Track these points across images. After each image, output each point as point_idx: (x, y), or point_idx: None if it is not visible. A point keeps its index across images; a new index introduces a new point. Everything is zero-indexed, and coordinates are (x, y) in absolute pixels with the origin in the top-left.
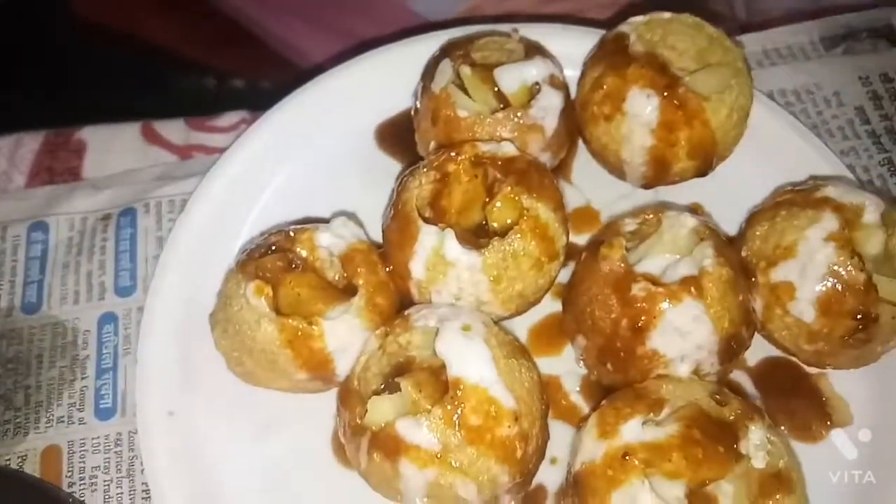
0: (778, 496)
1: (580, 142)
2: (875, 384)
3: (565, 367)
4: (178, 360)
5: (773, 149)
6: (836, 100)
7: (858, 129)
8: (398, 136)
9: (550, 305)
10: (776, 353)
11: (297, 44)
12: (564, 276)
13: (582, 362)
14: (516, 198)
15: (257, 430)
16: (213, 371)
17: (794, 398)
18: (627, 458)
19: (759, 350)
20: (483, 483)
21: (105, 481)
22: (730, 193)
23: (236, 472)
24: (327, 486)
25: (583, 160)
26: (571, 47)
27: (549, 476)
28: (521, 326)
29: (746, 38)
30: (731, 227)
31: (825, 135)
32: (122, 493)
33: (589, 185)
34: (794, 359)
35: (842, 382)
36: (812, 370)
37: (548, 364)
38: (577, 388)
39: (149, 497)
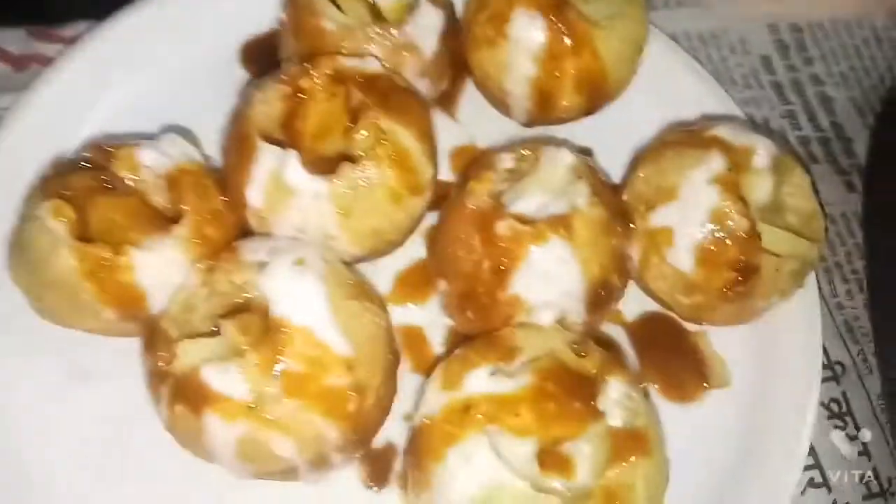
0: (633, 458)
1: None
2: (755, 344)
3: (431, 317)
4: None
5: (669, 92)
6: (742, 47)
7: (762, 78)
8: (267, 55)
9: (421, 250)
10: (656, 307)
11: None
12: (433, 219)
13: (444, 310)
14: (374, 120)
15: (67, 377)
16: (21, 307)
17: (672, 357)
18: (469, 410)
19: (637, 304)
20: (305, 440)
21: None
22: (621, 137)
23: (43, 428)
24: (147, 442)
25: (470, 95)
26: None
27: (401, 433)
28: (388, 271)
29: None
30: (619, 174)
31: (727, 82)
32: None
33: (475, 123)
34: (674, 315)
35: (722, 343)
36: (692, 328)
37: (412, 314)
38: (441, 342)
39: None
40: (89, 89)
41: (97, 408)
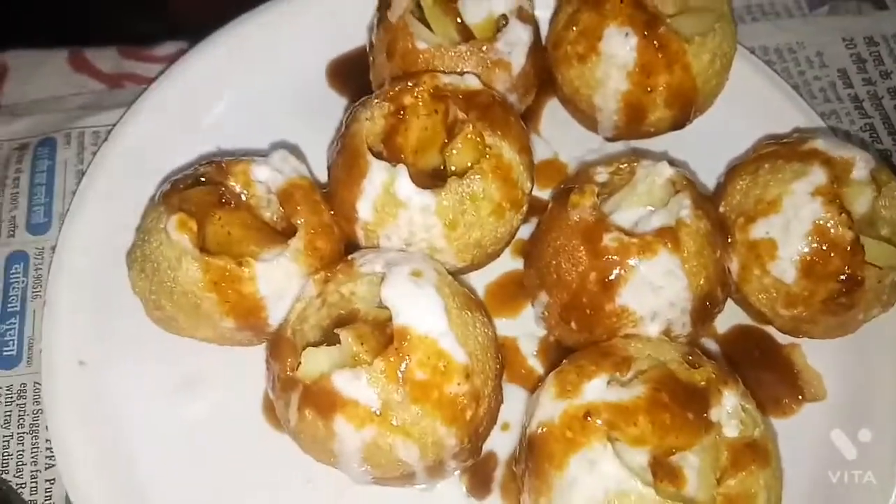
0: (753, 467)
1: (549, 92)
2: (850, 358)
3: (523, 329)
4: (93, 304)
5: (754, 105)
6: (819, 60)
7: (841, 92)
8: (351, 73)
9: (510, 263)
10: (747, 321)
11: None
12: (526, 232)
13: (542, 321)
14: (478, 135)
15: (178, 385)
16: (131, 318)
17: (765, 370)
18: (589, 418)
19: (729, 317)
20: (427, 445)
21: (4, 437)
22: (707, 150)
23: (152, 432)
24: (255, 450)
25: (552, 110)
26: None
27: (501, 443)
28: (478, 284)
29: None
30: (707, 185)
31: (807, 95)
32: (23, 450)
33: (558, 137)
34: (766, 328)
35: (816, 356)
36: (784, 341)
37: (504, 325)
38: (535, 352)
39: (53, 456)
40: (188, 107)
41: (206, 414)
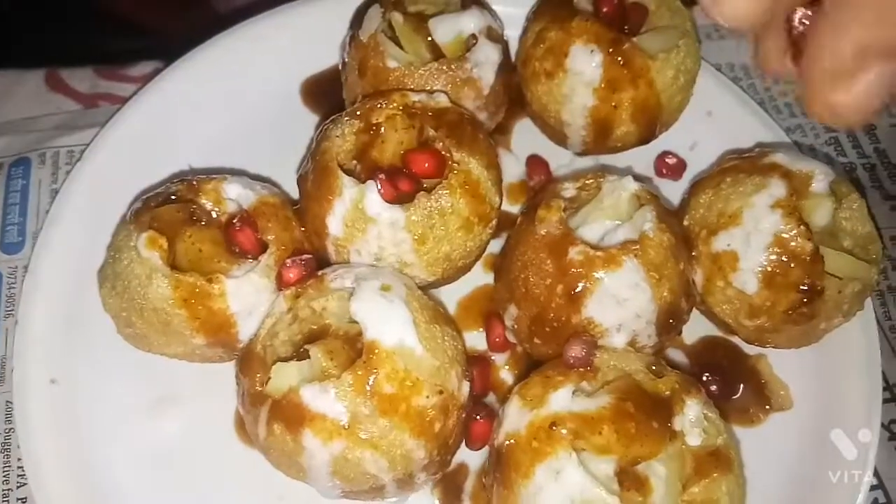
0: (715, 474)
1: (519, 110)
2: (815, 366)
3: None
4: (65, 322)
5: (719, 120)
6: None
7: None
8: (326, 92)
9: (482, 277)
10: (715, 332)
11: None
12: (497, 246)
13: (512, 334)
14: (446, 151)
15: (151, 403)
16: (103, 336)
17: (732, 380)
18: (555, 427)
19: (697, 328)
20: (396, 458)
21: None
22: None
23: (125, 450)
24: (227, 467)
25: (523, 128)
26: (513, 6)
27: (472, 455)
28: (449, 298)
29: (696, 9)
30: (673, 200)
31: (772, 111)
32: None
33: (528, 154)
34: (733, 339)
35: (782, 365)
36: (752, 351)
37: (476, 339)
38: (506, 364)
39: (25, 475)
40: (162, 126)
41: (179, 431)
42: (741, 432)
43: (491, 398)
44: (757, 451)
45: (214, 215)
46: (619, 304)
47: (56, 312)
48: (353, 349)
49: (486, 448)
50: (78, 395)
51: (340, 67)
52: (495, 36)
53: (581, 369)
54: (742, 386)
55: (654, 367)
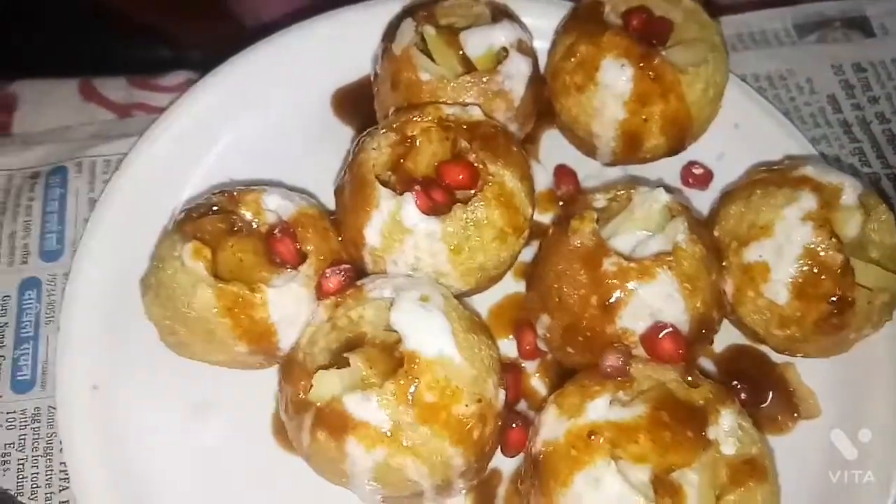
0: (750, 483)
1: (548, 120)
2: (843, 375)
3: None
4: (106, 329)
5: (747, 131)
6: (809, 87)
7: (830, 117)
8: (357, 103)
9: (513, 285)
10: (743, 340)
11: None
12: (527, 255)
13: (544, 343)
14: (481, 164)
15: (191, 408)
16: (143, 342)
17: (762, 388)
18: (593, 437)
19: (725, 337)
20: (436, 465)
21: (20, 460)
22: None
23: (166, 455)
24: (267, 472)
25: (551, 138)
26: (541, 18)
27: (505, 461)
28: (481, 307)
29: (723, 20)
30: (702, 210)
31: (797, 121)
32: (37, 472)
33: (556, 164)
34: (761, 347)
35: (810, 374)
36: (779, 359)
37: (507, 346)
38: (537, 372)
39: (67, 479)
40: (197, 137)
41: (219, 436)
42: (770, 440)
43: (522, 405)
44: (786, 459)
45: (255, 226)
46: (653, 315)
47: (96, 319)
48: (391, 357)
49: (519, 454)
50: (119, 401)
51: (372, 79)
52: (526, 49)
53: (617, 379)
54: (771, 394)
55: (688, 378)
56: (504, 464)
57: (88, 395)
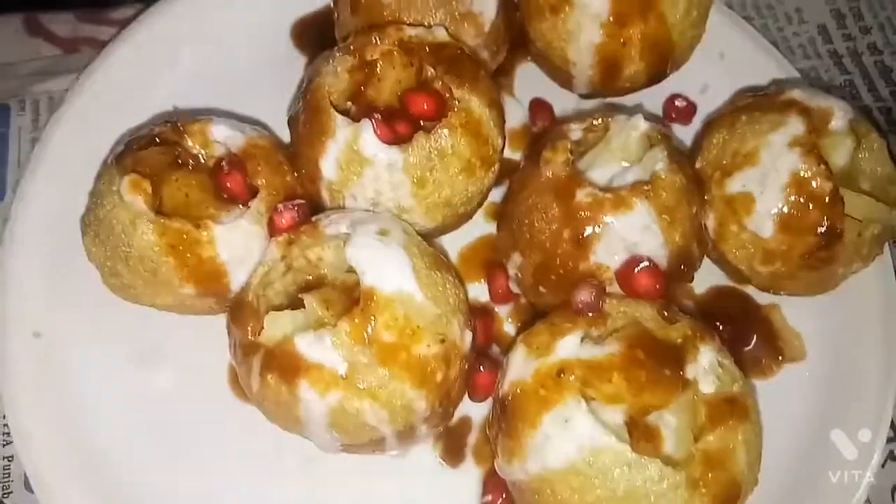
0: (731, 422)
1: (522, 52)
2: (831, 315)
3: None
4: (49, 274)
5: (731, 61)
6: (798, 16)
7: (820, 48)
8: (318, 33)
9: (483, 226)
10: (726, 282)
11: None
12: (498, 195)
13: (516, 283)
14: (446, 89)
15: (139, 356)
16: (87, 286)
17: (745, 331)
18: (562, 375)
19: (708, 277)
20: (396, 410)
21: None
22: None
23: (113, 406)
24: (222, 422)
25: (525, 71)
26: None
27: (474, 408)
28: (451, 249)
29: None
30: (685, 142)
31: (786, 52)
32: None
33: (531, 98)
34: (745, 288)
35: (795, 314)
36: (764, 301)
37: (478, 290)
38: (509, 318)
39: (10, 433)
40: (144, 70)
41: (170, 386)
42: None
43: (494, 351)
44: (773, 403)
45: (201, 159)
46: (629, 249)
47: (39, 264)
48: (351, 298)
49: (488, 399)
50: (63, 349)
51: (332, 5)
52: None
53: (589, 315)
54: (755, 336)
55: (665, 313)
56: (474, 410)
57: (29, 342)
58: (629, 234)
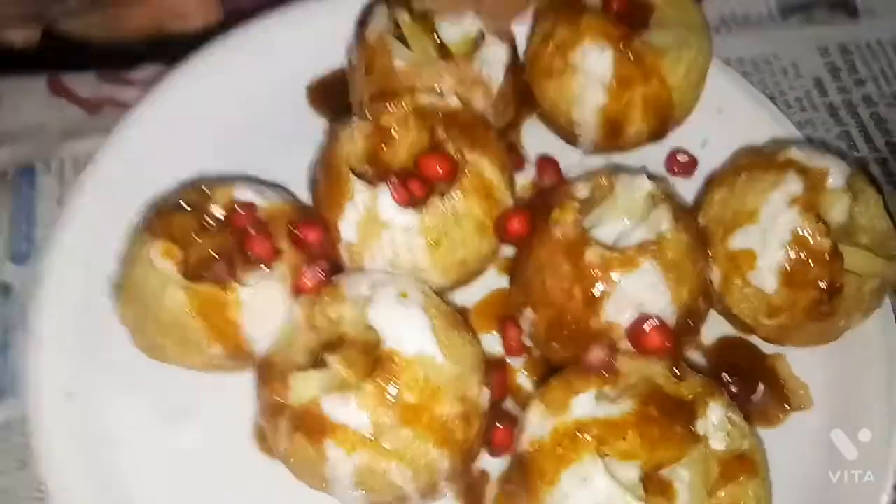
0: (742, 478)
1: (528, 109)
2: (835, 365)
3: None
4: (79, 334)
5: (730, 116)
6: (794, 70)
7: (816, 100)
8: (333, 94)
9: (497, 280)
10: (732, 332)
11: None
12: (511, 249)
13: (530, 339)
14: (459, 153)
15: (168, 414)
16: (118, 347)
17: (751, 380)
18: (580, 434)
19: (715, 328)
20: (420, 469)
21: None
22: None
23: (143, 462)
24: (247, 478)
25: (532, 129)
26: None
27: (492, 462)
28: (465, 303)
29: (705, 3)
30: (685, 199)
31: (783, 106)
32: (14, 485)
33: (537, 154)
34: (750, 338)
35: (800, 364)
36: (770, 350)
37: (492, 342)
38: (523, 370)
39: (42, 490)
40: (167, 132)
41: (198, 442)
42: (761, 433)
43: (508, 403)
44: (778, 452)
45: (226, 223)
46: (638, 306)
47: (68, 324)
48: (371, 358)
49: (506, 454)
50: (94, 409)
51: (347, 69)
52: (503, 34)
53: (603, 373)
54: (762, 386)
55: (675, 370)
56: (491, 464)
57: (62, 402)
58: (637, 293)
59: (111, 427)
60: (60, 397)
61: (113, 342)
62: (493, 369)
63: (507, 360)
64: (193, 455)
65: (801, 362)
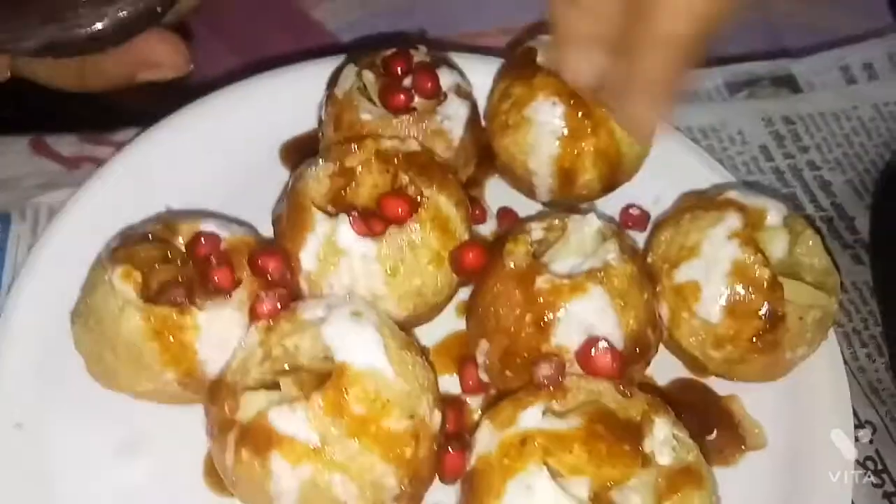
0: (687, 489)
1: (489, 166)
2: (786, 403)
3: None
4: (38, 367)
5: (680, 175)
6: (741, 138)
7: (763, 165)
8: (304, 151)
9: (455, 322)
10: (686, 374)
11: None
12: (467, 292)
13: (485, 372)
14: (416, 188)
15: (118, 447)
16: (73, 378)
17: (707, 420)
18: (525, 443)
19: (668, 370)
20: (365, 484)
21: None
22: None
23: (88, 498)
24: None
25: (492, 185)
26: (479, 74)
27: (448, 494)
28: (424, 343)
29: None
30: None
31: (730, 169)
32: None
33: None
34: (705, 380)
35: (753, 404)
36: (724, 392)
37: (450, 383)
38: (480, 409)
39: None
40: (140, 185)
41: (146, 478)
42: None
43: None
44: (735, 492)
45: (189, 254)
46: (587, 331)
47: (28, 356)
48: (324, 380)
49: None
50: (45, 440)
51: (318, 124)
52: (464, 93)
53: (551, 389)
54: (716, 426)
55: (621, 387)
56: (448, 497)
57: (11, 433)
58: (586, 317)
59: (60, 459)
60: (10, 427)
61: (71, 374)
62: (451, 406)
63: (465, 399)
64: (139, 490)
65: (754, 402)
